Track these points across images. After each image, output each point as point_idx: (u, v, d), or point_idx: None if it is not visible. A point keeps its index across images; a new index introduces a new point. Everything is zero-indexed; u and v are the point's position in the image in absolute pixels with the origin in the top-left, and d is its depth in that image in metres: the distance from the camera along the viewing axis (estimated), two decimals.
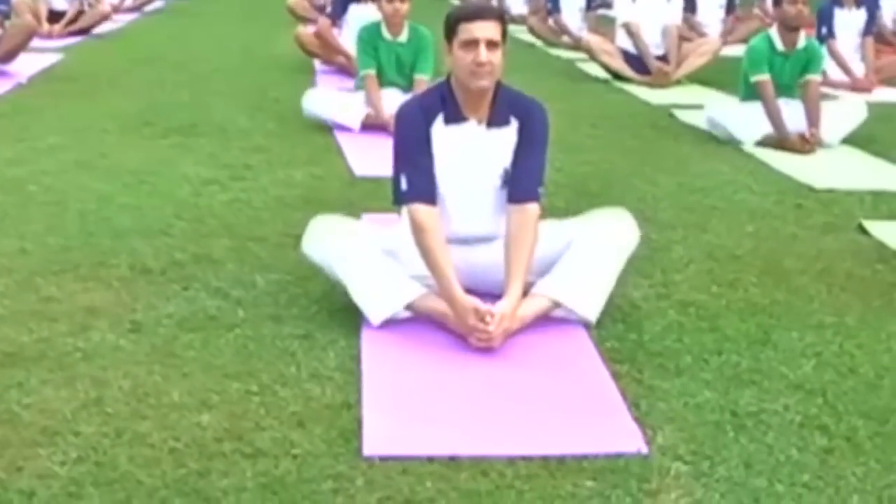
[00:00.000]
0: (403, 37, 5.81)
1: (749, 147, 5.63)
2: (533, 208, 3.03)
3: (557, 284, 3.02)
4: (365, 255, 3.04)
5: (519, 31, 11.65)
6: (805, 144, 5.50)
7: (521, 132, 3.09)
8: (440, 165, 3.08)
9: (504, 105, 3.08)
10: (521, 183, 3.06)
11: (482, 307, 2.84)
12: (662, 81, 7.80)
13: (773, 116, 5.64)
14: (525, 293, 2.99)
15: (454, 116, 3.07)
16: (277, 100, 6.72)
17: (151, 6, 13.25)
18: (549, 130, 3.13)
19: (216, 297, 3.19)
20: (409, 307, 2.99)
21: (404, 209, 3.13)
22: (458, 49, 2.97)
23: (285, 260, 3.54)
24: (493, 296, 2.97)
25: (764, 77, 5.67)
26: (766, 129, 5.64)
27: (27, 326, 2.93)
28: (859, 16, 8.13)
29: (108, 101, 6.56)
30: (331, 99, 6.00)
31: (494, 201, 3.13)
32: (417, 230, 2.99)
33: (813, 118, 5.66)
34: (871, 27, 8.19)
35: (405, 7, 5.74)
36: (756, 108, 5.70)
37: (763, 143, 5.62)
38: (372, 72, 5.78)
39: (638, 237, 3.24)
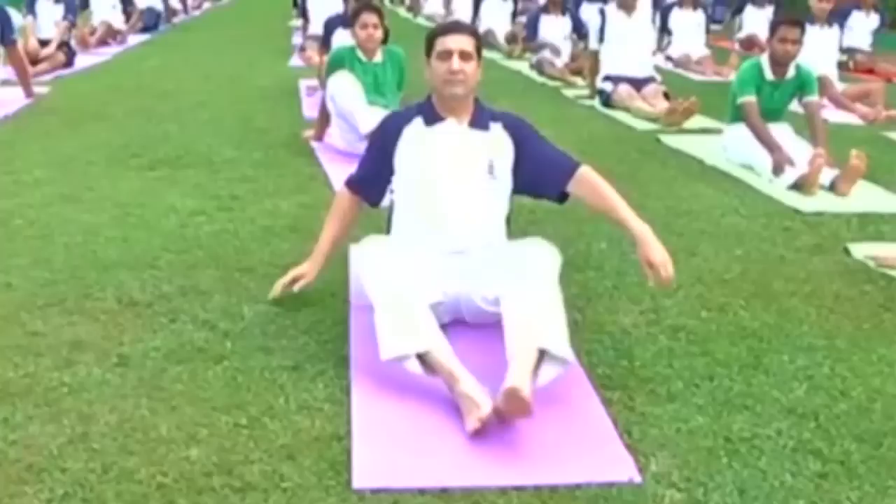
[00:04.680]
0: (378, 58, 5.95)
1: (737, 171, 5.64)
2: (585, 169, 3.20)
3: (533, 336, 2.72)
4: (403, 293, 2.85)
5: (502, 59, 11.73)
6: (813, 186, 5.17)
7: (512, 135, 3.27)
8: (426, 162, 3.23)
9: (483, 113, 3.30)
10: (558, 164, 3.25)
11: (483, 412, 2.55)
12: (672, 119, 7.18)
13: (761, 134, 5.59)
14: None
15: (433, 118, 3.26)
16: (263, 130, 6.71)
17: (137, 39, 13.27)
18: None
19: (203, 329, 3.17)
20: (421, 357, 2.73)
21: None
22: (434, 61, 3.21)
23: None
24: (484, 327, 2.95)
25: (750, 98, 5.67)
26: (799, 170, 5.30)
27: (12, 361, 2.89)
28: (831, 34, 8.19)
29: (94, 134, 6.53)
30: (359, 95, 5.89)
31: (484, 196, 3.24)
32: (334, 204, 3.45)
33: (819, 139, 5.54)
34: (842, 43, 8.25)
35: (378, 33, 5.90)
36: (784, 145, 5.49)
37: (796, 185, 5.22)
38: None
39: (560, 258, 3.03)
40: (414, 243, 3.20)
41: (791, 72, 5.74)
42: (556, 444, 2.48)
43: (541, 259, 2.97)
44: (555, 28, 10.30)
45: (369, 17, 5.86)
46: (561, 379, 2.71)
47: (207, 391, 2.74)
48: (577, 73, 9.52)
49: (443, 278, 3.07)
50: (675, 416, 2.65)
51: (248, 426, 2.54)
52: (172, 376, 2.83)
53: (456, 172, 3.23)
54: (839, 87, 8.15)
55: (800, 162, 5.36)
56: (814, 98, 5.78)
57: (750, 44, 11.65)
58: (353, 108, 5.78)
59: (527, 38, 10.74)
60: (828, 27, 8.15)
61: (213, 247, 4.05)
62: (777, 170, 5.37)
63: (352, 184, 3.42)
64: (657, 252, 2.92)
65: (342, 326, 3.20)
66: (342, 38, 7.62)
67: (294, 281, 3.40)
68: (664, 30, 10.51)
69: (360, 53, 5.94)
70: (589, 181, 3.18)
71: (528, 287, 2.84)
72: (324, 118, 6.15)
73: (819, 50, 7.96)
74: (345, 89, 5.85)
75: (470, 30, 3.29)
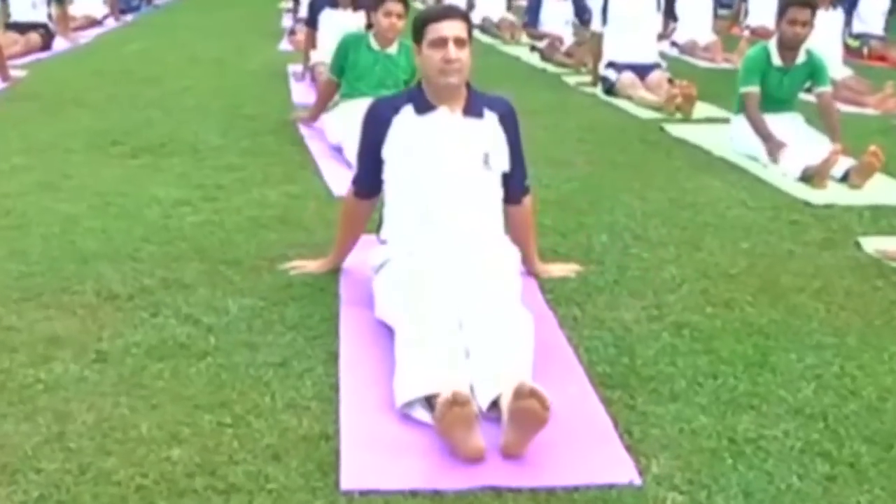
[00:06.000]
0: (393, 49, 5.86)
1: (744, 162, 5.63)
2: (527, 201, 3.53)
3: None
4: (427, 333, 2.75)
5: (501, 44, 11.72)
6: (824, 179, 5.16)
7: (504, 127, 3.30)
8: (418, 154, 3.23)
9: (476, 100, 3.30)
10: (518, 179, 3.44)
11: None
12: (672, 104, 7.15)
13: (758, 127, 5.63)
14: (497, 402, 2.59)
15: (424, 107, 3.25)
16: (251, 117, 6.70)
17: (119, 21, 13.27)
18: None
19: (186, 324, 3.16)
20: (428, 398, 2.57)
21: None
22: (427, 48, 3.18)
23: (259, 284, 3.52)
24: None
25: (752, 89, 5.68)
26: (806, 161, 5.25)
27: None
28: (836, 16, 8.19)
29: (74, 120, 6.52)
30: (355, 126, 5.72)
31: (479, 188, 3.26)
32: (342, 215, 3.60)
33: (834, 134, 5.55)
34: (849, 29, 8.26)
35: (401, 24, 5.80)
36: (793, 145, 5.47)
37: (806, 177, 5.20)
38: (335, 79, 5.93)
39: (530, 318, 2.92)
40: (409, 240, 3.20)
41: (801, 57, 5.70)
42: (553, 445, 2.48)
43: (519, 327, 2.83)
44: (557, 13, 10.27)
45: (395, 6, 5.71)
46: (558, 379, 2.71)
47: (190, 389, 2.73)
48: (581, 63, 9.46)
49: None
50: (677, 415, 2.65)
51: (232, 425, 2.53)
52: (153, 373, 2.82)
53: (450, 164, 3.22)
54: (846, 71, 8.16)
55: (812, 153, 5.34)
56: (827, 88, 5.76)
57: (764, 33, 11.65)
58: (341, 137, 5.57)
59: (528, 23, 10.72)
60: (832, 9, 8.16)
61: (198, 238, 4.03)
62: (771, 157, 5.43)
63: (356, 191, 3.47)
64: (550, 270, 3.65)
65: (331, 322, 3.20)
66: (330, 19, 7.63)
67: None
68: (669, 15, 10.49)
69: (372, 40, 5.81)
70: (527, 212, 3.54)
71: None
72: (323, 101, 6.09)
73: (823, 33, 7.93)
74: (339, 123, 5.65)
75: (462, 14, 3.29)
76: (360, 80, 5.80)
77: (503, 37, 11.85)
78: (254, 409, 2.62)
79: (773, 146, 5.48)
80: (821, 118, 5.74)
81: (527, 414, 2.37)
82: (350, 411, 2.61)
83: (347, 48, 5.87)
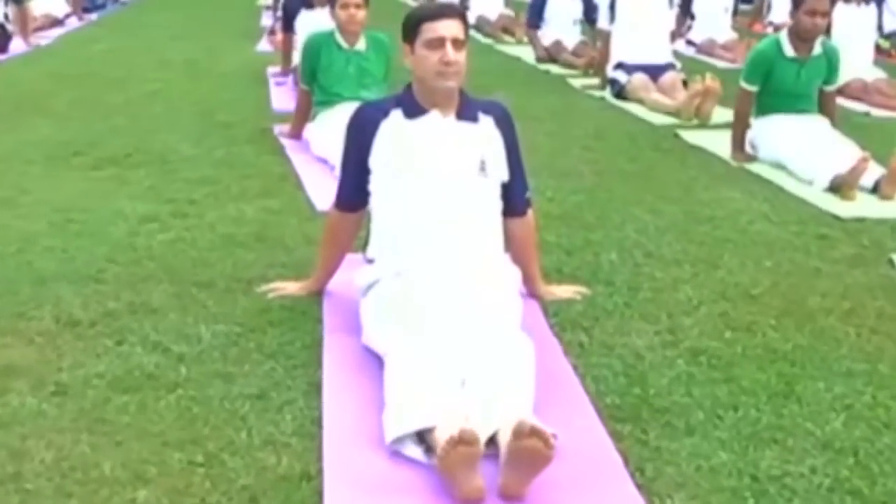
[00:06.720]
0: (361, 45, 5.88)
1: (767, 171, 5.65)
2: (529, 216, 3.53)
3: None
4: (414, 369, 2.75)
5: (497, 43, 11.76)
6: (852, 189, 5.18)
7: (502, 132, 3.33)
8: (408, 160, 3.26)
9: (470, 104, 3.35)
10: (518, 192, 3.45)
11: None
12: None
13: (738, 125, 5.97)
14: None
15: (415, 111, 3.27)
16: (226, 124, 6.72)
17: (83, 20, 13.32)
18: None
19: (155, 353, 3.16)
20: (420, 433, 2.58)
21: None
22: (422, 49, 3.20)
23: (235, 308, 3.52)
24: None
25: (751, 88, 5.81)
26: (836, 169, 5.27)
27: None
28: (868, 13, 8.26)
29: (32, 128, 6.53)
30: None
31: (475, 197, 3.27)
32: (325, 230, 3.63)
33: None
34: (880, 25, 8.38)
35: (361, 14, 5.82)
36: (812, 147, 5.53)
37: (834, 188, 5.22)
38: (307, 87, 6.00)
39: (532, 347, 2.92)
40: (399, 258, 3.20)
41: (817, 48, 5.74)
42: (557, 484, 2.47)
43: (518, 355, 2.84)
44: (563, 11, 10.24)
45: None
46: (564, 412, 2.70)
47: (158, 424, 2.73)
48: (589, 65, 9.48)
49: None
50: (694, 451, 2.65)
51: (204, 464, 2.53)
52: (118, 407, 2.82)
53: (443, 171, 3.24)
54: (877, 73, 8.21)
55: (840, 159, 5.35)
56: (835, 87, 5.88)
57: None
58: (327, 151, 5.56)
59: (529, 22, 10.74)
60: (864, 5, 8.23)
61: (167, 258, 4.04)
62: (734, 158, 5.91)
63: (341, 203, 3.48)
64: (554, 291, 3.66)
65: (314, 349, 3.20)
66: (308, 21, 7.64)
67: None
68: (685, 12, 10.54)
69: (339, 38, 5.88)
70: (529, 227, 3.54)
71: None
72: (302, 112, 6.10)
73: (855, 31, 7.98)
74: (323, 138, 5.63)
75: (458, 12, 3.32)
76: (336, 85, 5.82)
77: (497, 36, 11.90)
78: (228, 446, 2.62)
79: (738, 158, 5.88)
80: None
81: (528, 454, 2.37)
82: (334, 448, 2.61)
83: (318, 49, 5.87)
